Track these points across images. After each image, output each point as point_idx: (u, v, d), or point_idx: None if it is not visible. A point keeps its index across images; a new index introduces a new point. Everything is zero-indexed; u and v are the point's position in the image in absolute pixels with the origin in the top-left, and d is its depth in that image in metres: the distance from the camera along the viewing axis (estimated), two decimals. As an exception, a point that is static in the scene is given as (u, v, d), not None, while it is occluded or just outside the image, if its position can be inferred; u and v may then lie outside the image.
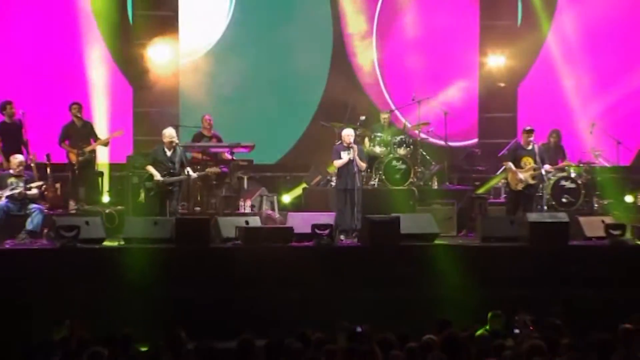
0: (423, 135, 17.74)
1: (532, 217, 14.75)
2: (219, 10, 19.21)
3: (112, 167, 16.79)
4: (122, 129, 16.56)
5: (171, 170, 14.76)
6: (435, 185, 17.00)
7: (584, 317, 11.63)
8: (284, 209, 16.48)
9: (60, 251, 13.27)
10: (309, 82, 19.31)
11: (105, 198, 16.28)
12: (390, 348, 8.21)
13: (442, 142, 17.84)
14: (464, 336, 8.93)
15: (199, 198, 15.97)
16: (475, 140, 19.36)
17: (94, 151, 15.83)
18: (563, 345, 8.26)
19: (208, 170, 15.37)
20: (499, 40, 19.21)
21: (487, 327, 10.25)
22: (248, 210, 15.94)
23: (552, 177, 15.91)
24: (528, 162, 15.31)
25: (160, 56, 17.52)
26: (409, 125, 17.78)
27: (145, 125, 17.40)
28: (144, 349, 8.94)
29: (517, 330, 10.07)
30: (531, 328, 10.06)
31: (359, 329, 9.29)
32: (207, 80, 18.07)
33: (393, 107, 18.41)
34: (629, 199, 16.78)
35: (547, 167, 15.55)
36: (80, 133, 15.71)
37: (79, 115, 15.92)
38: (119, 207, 15.30)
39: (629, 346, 8.30)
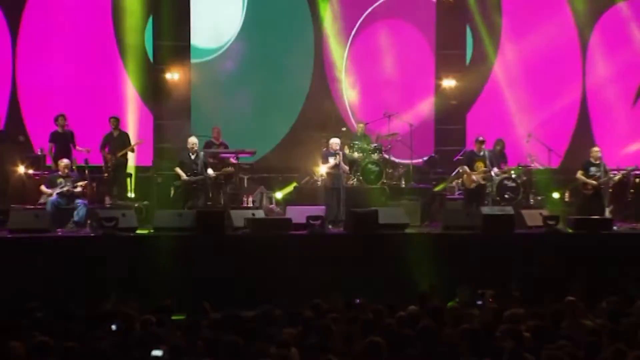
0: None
1: (485, 210, 15.40)
2: (222, 45, 19.29)
3: (138, 169, 17.13)
4: (143, 139, 17.06)
5: (195, 171, 15.41)
6: (402, 184, 17.59)
7: (531, 291, 11.91)
8: (277, 203, 17.00)
9: (102, 238, 13.75)
10: (292, 97, 19.37)
11: (131, 194, 16.75)
12: (382, 317, 9.18)
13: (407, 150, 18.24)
14: (444, 307, 9.99)
15: (209, 195, 15.94)
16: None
17: (125, 155, 16.26)
18: (519, 314, 8.99)
19: (224, 170, 15.88)
20: (451, 66, 19.65)
21: (457, 299, 11.03)
22: (250, 205, 16.28)
23: (497, 178, 16.33)
24: (480, 166, 15.98)
25: (175, 79, 17.88)
26: (381, 135, 18.11)
27: (163, 135, 17.91)
28: (179, 318, 9.74)
29: (480, 302, 10.73)
30: (491, 300, 10.76)
31: (357, 301, 10.35)
32: (214, 99, 18.46)
33: (366, 121, 18.29)
34: (555, 195, 17.50)
35: (495, 170, 16.20)
36: (116, 141, 16.20)
37: (116, 127, 16.45)
38: (145, 202, 15.80)
39: (574, 314, 9.21)
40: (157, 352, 7.52)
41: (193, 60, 18.64)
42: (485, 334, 8.09)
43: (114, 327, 8.84)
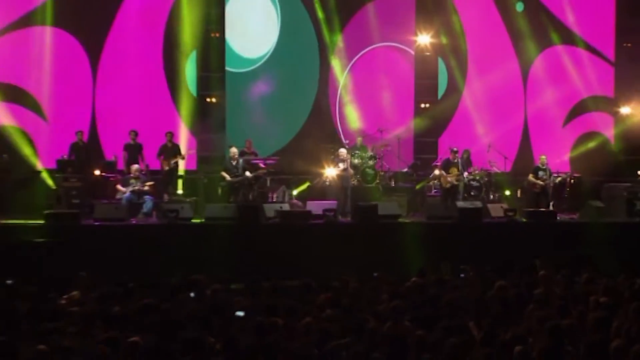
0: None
1: (460, 204, 16.19)
2: (252, 68, 19.41)
3: (186, 172, 17.59)
4: (192, 149, 17.79)
5: (236, 174, 16.13)
6: (392, 184, 18.26)
7: (499, 266, 11.65)
8: (296, 199, 17.20)
9: (167, 225, 14.66)
10: (298, 113, 19.66)
11: (180, 192, 17.23)
12: (396, 286, 9.95)
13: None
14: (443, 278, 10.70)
15: (247, 192, 16.47)
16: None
17: (177, 162, 16.86)
18: (498, 286, 9.38)
19: (259, 171, 16.55)
20: (427, 92, 20.20)
21: (443, 273, 11.40)
22: (274, 200, 16.82)
23: (465, 179, 17.18)
24: (454, 170, 16.81)
25: (214, 102, 18.44)
26: (376, 145, 18.44)
27: (205, 146, 18.23)
28: (236, 287, 10.65)
29: (462, 275, 11.29)
30: (471, 274, 11.33)
31: (375, 275, 11.07)
32: (244, 115, 18.85)
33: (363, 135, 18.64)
34: (507, 192, 18.12)
35: (466, 173, 17.21)
36: (170, 151, 16.78)
37: (170, 139, 16.99)
38: (194, 198, 16.38)
39: (547, 285, 9.73)
40: (239, 313, 8.39)
41: (228, 83, 18.80)
42: (480, 299, 8.97)
43: (192, 294, 9.58)
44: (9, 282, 10.62)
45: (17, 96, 17.74)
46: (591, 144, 20.77)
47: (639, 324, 7.09)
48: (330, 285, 10.09)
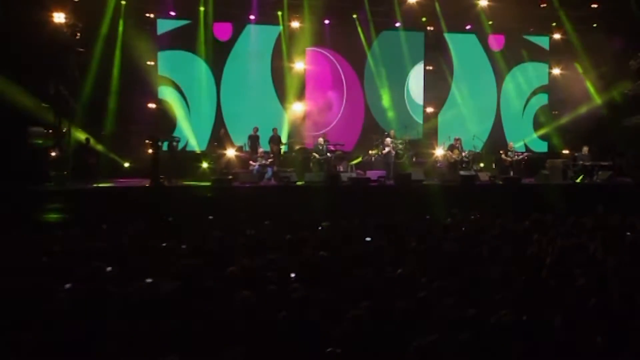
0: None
1: (461, 172, 17.00)
2: None
3: (285, 153, 18.23)
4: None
5: (322, 154, 16.94)
6: (413, 159, 18.62)
7: (488, 213, 12.53)
8: (356, 169, 18.01)
9: (283, 187, 15.64)
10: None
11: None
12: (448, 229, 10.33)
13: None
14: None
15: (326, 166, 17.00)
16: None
17: (279, 148, 17.59)
18: (497, 224, 10.63)
19: (336, 153, 17.47)
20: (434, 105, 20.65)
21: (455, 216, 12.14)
22: (342, 170, 17.32)
23: (459, 157, 17.92)
24: (456, 152, 17.88)
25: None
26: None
27: (295, 136, 18.82)
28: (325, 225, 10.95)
29: (472, 217, 12.32)
30: (478, 215, 12.45)
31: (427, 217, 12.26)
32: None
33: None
34: (482, 165, 18.89)
35: (464, 154, 18.03)
36: (275, 139, 17.41)
37: (276, 132, 17.57)
38: (293, 169, 16.52)
39: (542, 228, 10.03)
40: (367, 239, 9.16)
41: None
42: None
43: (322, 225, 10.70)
44: (170, 219, 11.95)
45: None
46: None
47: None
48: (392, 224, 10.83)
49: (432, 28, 20.05)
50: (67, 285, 6.16)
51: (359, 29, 19.36)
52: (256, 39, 19.15)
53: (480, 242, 8.84)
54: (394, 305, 5.32)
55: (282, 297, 5.76)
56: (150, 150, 15.08)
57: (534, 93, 21.81)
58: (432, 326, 4.81)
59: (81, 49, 14.95)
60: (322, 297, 5.65)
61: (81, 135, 15.22)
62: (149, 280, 6.30)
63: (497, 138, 20.69)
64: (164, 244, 8.94)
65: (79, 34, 14.37)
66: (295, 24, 18.72)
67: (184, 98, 18.41)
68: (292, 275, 6.86)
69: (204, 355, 4.64)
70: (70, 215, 12.67)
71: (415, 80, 20.73)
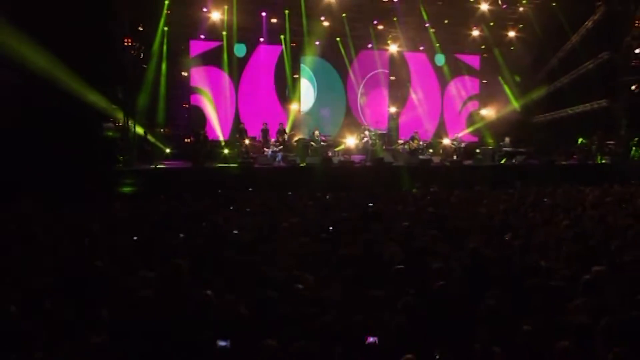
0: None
1: (421, 157, 17.26)
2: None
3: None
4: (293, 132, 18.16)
5: (317, 142, 17.14)
6: (384, 147, 18.26)
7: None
8: (343, 154, 17.67)
9: (291, 167, 15.67)
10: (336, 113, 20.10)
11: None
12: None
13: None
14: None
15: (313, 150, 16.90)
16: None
17: (284, 138, 17.26)
18: (455, 194, 11.14)
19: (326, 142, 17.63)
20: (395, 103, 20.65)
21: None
22: (332, 155, 17.07)
23: (417, 145, 18.19)
24: (415, 142, 18.27)
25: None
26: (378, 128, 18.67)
27: (297, 129, 18.58)
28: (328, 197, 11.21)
29: (432, 189, 12.51)
30: (436, 189, 12.50)
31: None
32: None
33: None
34: (431, 150, 18.61)
35: (421, 143, 18.50)
36: (281, 132, 17.37)
37: (281, 125, 17.59)
38: (295, 154, 16.37)
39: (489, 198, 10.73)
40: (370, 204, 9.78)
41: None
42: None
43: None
44: (219, 191, 12.30)
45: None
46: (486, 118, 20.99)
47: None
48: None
49: (395, 48, 20.17)
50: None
51: (342, 50, 19.47)
52: (265, 56, 19.22)
53: (449, 206, 10.00)
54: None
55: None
56: (188, 140, 15.83)
57: (469, 99, 21.99)
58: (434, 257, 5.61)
59: (144, 65, 15.32)
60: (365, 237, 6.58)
61: (140, 129, 15.40)
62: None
63: (442, 131, 20.92)
64: (231, 207, 9.90)
65: (142, 55, 14.93)
66: (293, 45, 18.76)
67: (212, 100, 18.48)
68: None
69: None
70: (139, 188, 13.10)
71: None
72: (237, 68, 18.55)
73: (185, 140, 17.13)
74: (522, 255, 5.91)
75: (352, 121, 19.98)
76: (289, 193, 11.94)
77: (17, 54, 11.54)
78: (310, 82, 19.99)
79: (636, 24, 17.26)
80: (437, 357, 3.39)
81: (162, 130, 16.85)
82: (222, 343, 3.64)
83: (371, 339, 3.61)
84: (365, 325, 3.71)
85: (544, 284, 4.51)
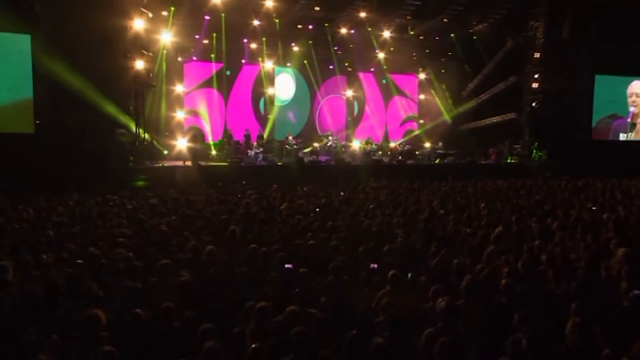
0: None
1: (374, 157, 17.68)
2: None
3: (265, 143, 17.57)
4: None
5: (291, 145, 17.56)
6: (344, 150, 18.78)
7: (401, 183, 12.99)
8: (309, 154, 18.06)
9: (270, 165, 16.07)
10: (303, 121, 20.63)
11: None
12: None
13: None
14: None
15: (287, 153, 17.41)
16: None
17: (262, 142, 17.33)
18: (404, 186, 12.26)
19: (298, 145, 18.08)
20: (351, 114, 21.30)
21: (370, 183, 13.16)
22: (302, 156, 17.29)
23: (370, 148, 18.58)
24: (369, 145, 18.83)
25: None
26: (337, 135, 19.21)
27: (273, 135, 19.24)
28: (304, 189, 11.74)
29: (383, 183, 13.51)
30: (385, 183, 13.12)
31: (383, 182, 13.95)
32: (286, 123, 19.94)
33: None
34: (380, 152, 19.15)
35: (373, 146, 18.98)
36: (260, 137, 17.51)
37: (260, 132, 18.06)
38: (272, 154, 16.79)
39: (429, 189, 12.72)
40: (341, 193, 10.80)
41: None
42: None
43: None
44: (244, 182, 13.07)
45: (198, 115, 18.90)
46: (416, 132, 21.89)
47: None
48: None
49: (350, 69, 20.90)
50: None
51: (309, 70, 20.20)
52: (246, 74, 19.82)
53: (399, 195, 11.17)
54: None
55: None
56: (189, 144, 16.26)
57: (408, 117, 22.89)
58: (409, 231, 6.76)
59: (153, 84, 15.82)
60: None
61: (147, 135, 15.85)
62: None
63: (387, 137, 21.91)
64: (239, 195, 10.99)
65: (151, 74, 15.55)
66: (268, 64, 19.36)
67: (206, 109, 18.93)
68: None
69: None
70: (149, 182, 13.63)
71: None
72: (224, 84, 19.14)
73: (180, 143, 16.97)
74: (454, 225, 7.42)
75: (313, 127, 20.78)
76: (274, 185, 12.76)
77: (55, 74, 12.66)
78: (291, 75, 20.36)
79: (535, 56, 18.16)
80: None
81: (161, 136, 17.19)
82: (287, 266, 4.61)
83: (373, 265, 4.70)
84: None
85: (468, 239, 6.26)
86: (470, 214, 8.08)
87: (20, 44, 12.99)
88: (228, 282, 4.48)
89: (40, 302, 3.71)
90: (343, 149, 18.82)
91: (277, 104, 19.88)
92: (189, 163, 15.20)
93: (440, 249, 5.47)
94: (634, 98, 19.99)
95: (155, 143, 16.50)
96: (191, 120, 18.57)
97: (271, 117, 19.65)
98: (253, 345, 2.96)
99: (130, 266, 4.76)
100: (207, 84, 18.86)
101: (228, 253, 5.60)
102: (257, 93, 19.75)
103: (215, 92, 18.97)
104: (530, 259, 5.01)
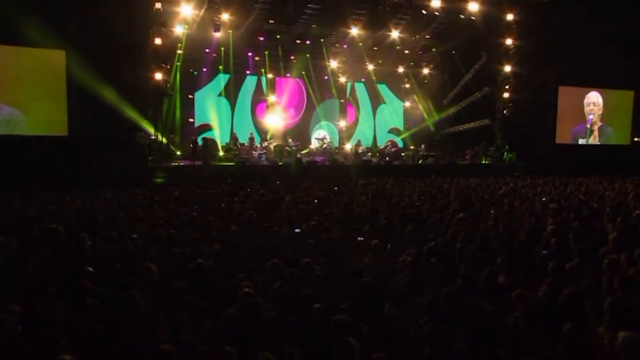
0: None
1: (364, 158, 18.11)
2: None
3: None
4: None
5: (291, 147, 17.82)
6: (337, 151, 19.07)
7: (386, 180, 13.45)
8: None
9: (273, 165, 16.41)
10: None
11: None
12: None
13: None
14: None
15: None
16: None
17: (268, 144, 17.96)
18: (389, 182, 13.72)
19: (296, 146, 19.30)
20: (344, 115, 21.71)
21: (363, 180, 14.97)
22: (300, 156, 17.36)
23: (361, 150, 18.78)
24: (360, 147, 19.07)
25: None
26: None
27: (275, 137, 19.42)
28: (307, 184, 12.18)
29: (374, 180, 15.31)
30: (375, 180, 15.15)
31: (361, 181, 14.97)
32: None
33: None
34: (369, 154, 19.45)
35: (363, 148, 19.31)
36: (264, 139, 18.49)
37: (269, 132, 18.66)
38: (274, 155, 17.10)
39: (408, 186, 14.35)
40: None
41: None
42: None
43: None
44: (278, 182, 13.28)
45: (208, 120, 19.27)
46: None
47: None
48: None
49: (344, 79, 21.30)
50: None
51: (306, 79, 20.55)
52: (251, 83, 20.35)
53: (385, 189, 11.96)
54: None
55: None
56: (193, 145, 16.85)
57: (396, 116, 23.37)
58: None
59: (171, 93, 16.75)
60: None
61: (164, 138, 16.40)
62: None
63: (376, 140, 22.24)
64: (248, 189, 11.82)
65: (168, 84, 16.32)
66: (270, 75, 19.93)
67: (215, 114, 19.42)
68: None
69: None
70: (167, 179, 14.34)
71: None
72: (234, 91, 19.78)
73: (191, 145, 17.23)
74: (429, 211, 8.45)
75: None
76: (277, 182, 13.66)
77: (86, 84, 13.74)
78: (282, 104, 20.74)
79: (506, 69, 18.85)
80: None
81: (174, 137, 17.82)
82: (297, 230, 5.48)
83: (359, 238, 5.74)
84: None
85: (436, 221, 7.34)
86: (442, 204, 9.06)
87: (57, 59, 14.00)
88: (248, 249, 5.50)
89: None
90: (337, 151, 19.25)
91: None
92: (198, 163, 15.67)
93: (413, 228, 6.51)
94: (591, 106, 20.92)
95: (170, 145, 17.09)
96: (201, 125, 19.10)
97: (272, 123, 20.00)
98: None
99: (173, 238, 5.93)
100: (216, 92, 19.44)
101: (246, 230, 6.64)
102: (260, 100, 20.25)
103: (223, 99, 19.57)
104: (482, 235, 6.15)
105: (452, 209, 8.43)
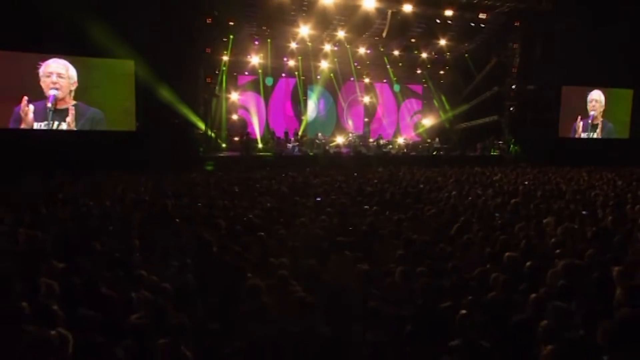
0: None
1: (384, 149, 18.35)
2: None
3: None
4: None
5: (320, 141, 18.62)
6: (361, 144, 19.04)
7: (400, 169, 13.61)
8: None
9: (304, 156, 16.95)
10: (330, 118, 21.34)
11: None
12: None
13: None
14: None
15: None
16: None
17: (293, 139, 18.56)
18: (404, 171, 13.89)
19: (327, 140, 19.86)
20: (368, 115, 21.65)
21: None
22: (329, 147, 18.07)
23: (383, 143, 19.02)
24: (382, 140, 19.34)
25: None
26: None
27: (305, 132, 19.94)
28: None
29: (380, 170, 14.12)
30: (381, 169, 15.61)
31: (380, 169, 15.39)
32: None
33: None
34: (391, 146, 19.37)
35: (384, 141, 19.50)
36: (297, 133, 19.03)
37: (285, 130, 18.75)
38: (305, 147, 17.67)
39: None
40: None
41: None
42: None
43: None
44: (308, 168, 13.94)
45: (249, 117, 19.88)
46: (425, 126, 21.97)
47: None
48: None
49: (367, 80, 21.63)
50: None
51: (334, 81, 20.68)
52: (285, 85, 20.79)
53: (398, 175, 12.75)
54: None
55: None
56: (237, 139, 18.24)
57: (415, 113, 23.47)
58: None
59: (218, 94, 17.79)
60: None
61: (213, 133, 17.39)
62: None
63: (398, 133, 22.21)
64: (283, 174, 12.82)
65: (216, 87, 17.68)
66: (303, 78, 20.43)
67: (255, 111, 20.07)
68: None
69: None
70: (215, 167, 15.46)
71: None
72: (268, 93, 20.34)
73: (235, 138, 18.70)
74: (428, 192, 9.48)
75: (340, 127, 21.63)
76: (307, 169, 14.63)
77: (151, 88, 15.21)
78: (314, 103, 21.57)
79: (513, 70, 19.03)
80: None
81: (220, 132, 18.56)
82: (318, 198, 6.78)
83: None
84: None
85: (431, 197, 8.45)
86: (440, 186, 10.19)
87: (127, 67, 15.31)
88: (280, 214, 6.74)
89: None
90: (360, 144, 19.54)
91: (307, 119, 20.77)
92: (243, 153, 16.74)
93: (410, 202, 7.82)
94: (593, 103, 20.97)
95: (217, 138, 18.10)
96: (243, 121, 19.80)
97: (305, 119, 20.80)
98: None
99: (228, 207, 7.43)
100: (255, 92, 20.15)
101: (280, 203, 8.08)
102: (295, 100, 20.98)
103: (261, 99, 20.29)
104: (469, 204, 7.44)
105: (447, 190, 9.44)
